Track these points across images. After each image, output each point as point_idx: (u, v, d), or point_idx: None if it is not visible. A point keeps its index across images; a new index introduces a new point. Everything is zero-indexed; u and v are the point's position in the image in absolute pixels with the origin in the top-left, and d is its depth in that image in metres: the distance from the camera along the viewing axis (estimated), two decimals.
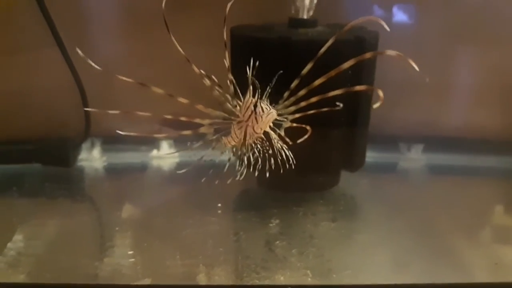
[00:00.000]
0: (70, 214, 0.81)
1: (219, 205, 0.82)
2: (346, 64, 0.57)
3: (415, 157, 1.03)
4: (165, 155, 1.01)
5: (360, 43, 0.72)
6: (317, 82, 0.60)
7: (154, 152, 1.03)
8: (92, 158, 1.02)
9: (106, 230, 0.79)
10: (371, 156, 0.90)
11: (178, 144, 1.02)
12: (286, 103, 0.63)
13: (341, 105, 0.60)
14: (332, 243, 0.72)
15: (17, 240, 0.72)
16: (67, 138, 0.98)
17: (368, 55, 0.58)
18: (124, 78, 0.60)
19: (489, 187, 0.97)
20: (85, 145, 1.01)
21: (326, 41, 0.57)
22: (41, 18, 0.90)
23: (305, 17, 0.77)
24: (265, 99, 0.61)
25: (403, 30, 0.96)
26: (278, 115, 0.63)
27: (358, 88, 0.59)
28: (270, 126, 0.63)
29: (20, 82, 0.98)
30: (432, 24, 0.97)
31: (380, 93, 0.57)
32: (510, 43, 0.97)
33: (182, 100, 0.62)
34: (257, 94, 0.60)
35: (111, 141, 1.03)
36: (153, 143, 1.03)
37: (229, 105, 0.63)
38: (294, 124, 0.63)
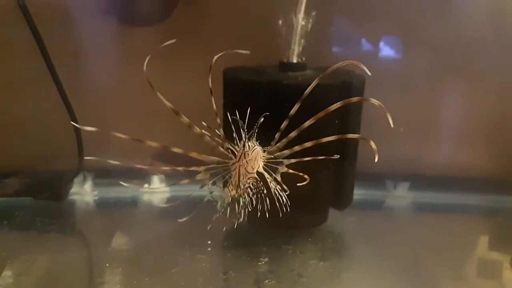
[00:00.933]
0: (60, 250, 0.81)
1: (209, 242, 0.83)
2: (334, 106, 0.61)
3: (401, 195, 1.05)
4: (156, 190, 1.02)
5: (347, 87, 0.75)
6: (307, 123, 0.63)
7: (145, 186, 1.04)
8: (84, 192, 1.02)
9: (96, 266, 0.79)
10: (358, 193, 0.91)
11: (169, 179, 1.04)
12: (279, 145, 0.66)
13: (339, 156, 0.65)
14: (320, 282, 0.73)
15: (6, 276, 0.72)
16: (60, 172, 0.99)
17: (354, 99, 0.62)
18: (119, 135, 0.62)
19: (474, 225, 0.99)
20: (77, 179, 1.02)
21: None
22: (38, 54, 0.92)
23: (294, 61, 0.80)
24: (252, 138, 0.64)
25: (391, 68, 1.00)
26: (273, 158, 0.66)
27: (351, 136, 0.62)
28: (264, 168, 0.66)
29: (13, 115, 1.00)
30: (418, 63, 1.01)
31: (373, 145, 0.61)
32: (495, 83, 1.01)
33: (176, 150, 0.64)
34: (244, 134, 0.63)
35: (103, 175, 1.04)
36: (144, 177, 1.04)
37: (221, 149, 0.65)
38: (291, 171, 0.66)
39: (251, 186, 0.67)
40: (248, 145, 0.64)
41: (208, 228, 0.70)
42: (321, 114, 0.62)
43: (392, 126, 0.55)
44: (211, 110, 0.64)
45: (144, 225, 0.93)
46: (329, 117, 0.63)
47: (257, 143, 0.65)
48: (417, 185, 1.06)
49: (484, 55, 0.99)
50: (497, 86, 1.02)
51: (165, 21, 0.95)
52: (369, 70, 0.78)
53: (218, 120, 0.64)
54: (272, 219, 0.83)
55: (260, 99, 0.75)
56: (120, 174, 1.03)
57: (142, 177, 1.04)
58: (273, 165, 0.67)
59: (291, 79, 0.76)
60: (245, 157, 0.64)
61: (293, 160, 0.66)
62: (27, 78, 0.98)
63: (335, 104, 0.61)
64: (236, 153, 0.65)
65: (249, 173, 0.66)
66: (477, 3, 0.95)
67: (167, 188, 1.03)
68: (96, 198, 1.02)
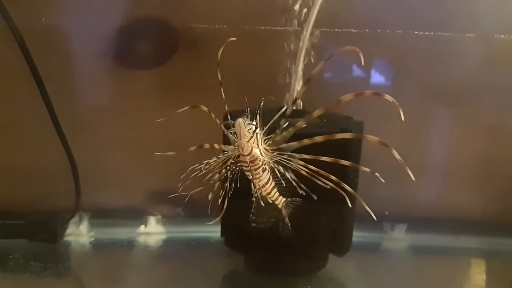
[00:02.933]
0: None
1: None
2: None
3: (399, 237, 1.05)
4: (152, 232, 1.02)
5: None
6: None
7: (142, 228, 1.03)
8: (80, 232, 1.01)
9: None
10: (356, 235, 0.90)
11: (166, 221, 1.03)
12: (285, 134, 0.62)
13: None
14: None
15: None
16: (56, 211, 0.98)
17: (368, 92, 0.60)
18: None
19: (472, 268, 0.99)
20: (72, 219, 1.01)
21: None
22: (37, 95, 0.93)
23: (294, 107, 0.81)
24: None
25: (387, 112, 1.01)
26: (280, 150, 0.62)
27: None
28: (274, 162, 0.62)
29: (10, 157, 1.00)
30: (415, 107, 1.02)
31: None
32: (488, 126, 1.02)
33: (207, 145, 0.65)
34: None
35: (99, 216, 1.03)
36: (141, 218, 1.04)
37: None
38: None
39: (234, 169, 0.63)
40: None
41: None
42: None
43: (403, 119, 0.53)
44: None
45: (140, 268, 0.92)
46: (328, 153, 0.62)
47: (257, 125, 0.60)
48: (414, 227, 1.06)
49: (477, 99, 1.01)
50: (489, 128, 1.03)
51: (165, 64, 0.96)
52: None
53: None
54: (271, 265, 0.84)
55: None
56: (117, 215, 1.04)
57: (139, 217, 1.04)
58: (283, 160, 0.62)
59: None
60: (240, 138, 0.58)
61: (306, 156, 0.61)
62: (25, 118, 0.98)
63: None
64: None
65: (243, 155, 0.60)
66: (469, 49, 0.97)
67: (163, 230, 1.02)
68: (92, 239, 1.01)
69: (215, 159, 0.65)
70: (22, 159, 1.00)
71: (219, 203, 0.68)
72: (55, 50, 0.95)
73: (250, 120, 0.59)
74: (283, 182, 0.64)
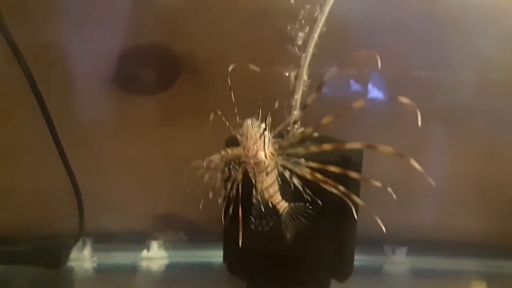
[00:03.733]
0: None
1: None
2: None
3: (399, 260, 1.06)
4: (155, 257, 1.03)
5: (346, 162, 0.77)
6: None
7: (144, 252, 1.04)
8: (83, 257, 1.02)
9: None
10: (357, 258, 0.91)
11: (168, 245, 1.04)
12: (292, 139, 0.63)
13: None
14: None
15: None
16: (59, 238, 0.99)
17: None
18: None
19: None
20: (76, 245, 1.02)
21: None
22: (41, 119, 0.94)
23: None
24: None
25: (387, 140, 1.02)
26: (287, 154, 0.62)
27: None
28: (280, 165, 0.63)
29: (12, 181, 1.01)
30: (414, 132, 1.03)
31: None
32: (485, 148, 1.03)
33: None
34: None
35: (102, 240, 1.04)
36: (143, 243, 1.05)
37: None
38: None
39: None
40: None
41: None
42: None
43: (420, 125, 0.55)
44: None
45: None
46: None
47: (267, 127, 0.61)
48: (415, 250, 1.07)
49: (474, 123, 1.02)
50: (487, 151, 1.04)
51: (168, 90, 0.98)
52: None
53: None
54: None
55: None
56: (120, 239, 1.05)
57: (142, 242, 1.05)
58: (288, 165, 0.63)
59: None
60: (247, 140, 0.60)
61: (312, 164, 0.62)
62: (27, 142, 0.99)
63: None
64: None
65: (248, 156, 0.61)
66: (464, 75, 0.99)
67: (166, 255, 1.03)
68: (95, 264, 1.01)
69: (218, 156, 0.65)
70: (24, 184, 1.01)
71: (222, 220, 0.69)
72: (58, 74, 0.96)
73: (260, 123, 0.61)
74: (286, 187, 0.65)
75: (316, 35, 0.79)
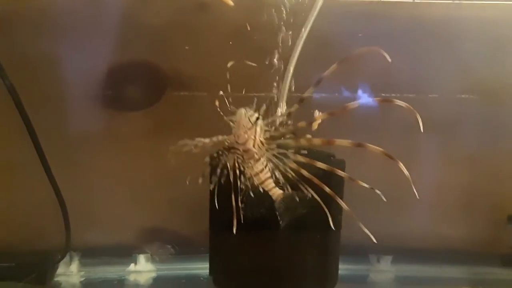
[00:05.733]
0: None
1: None
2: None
3: (385, 269, 1.07)
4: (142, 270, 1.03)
5: (328, 173, 0.78)
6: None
7: (132, 266, 1.04)
8: (70, 272, 1.02)
9: None
10: (342, 267, 0.91)
11: (155, 258, 1.04)
12: (283, 131, 0.64)
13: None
14: None
15: None
16: (46, 253, 0.99)
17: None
18: None
19: None
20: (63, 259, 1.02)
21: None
22: (26, 135, 0.94)
23: None
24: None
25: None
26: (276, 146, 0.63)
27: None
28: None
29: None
30: (400, 142, 1.05)
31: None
32: (472, 157, 1.06)
33: None
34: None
35: (89, 255, 1.04)
36: (131, 256, 1.05)
37: None
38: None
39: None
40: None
41: None
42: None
43: (422, 130, 0.56)
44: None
45: None
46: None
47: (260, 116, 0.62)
48: (400, 258, 1.08)
49: (458, 135, 1.05)
50: (470, 160, 1.06)
51: (154, 105, 0.99)
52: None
53: None
54: None
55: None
56: (107, 253, 1.05)
57: (129, 255, 1.05)
58: (277, 156, 0.64)
59: None
60: (238, 128, 0.62)
61: (301, 158, 0.63)
62: (12, 159, 0.99)
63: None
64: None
65: (238, 143, 0.63)
66: (449, 86, 1.02)
67: (153, 268, 1.03)
68: (83, 279, 1.01)
69: (208, 140, 0.66)
70: (9, 199, 1.01)
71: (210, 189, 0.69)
72: (44, 90, 0.97)
73: (254, 112, 0.62)
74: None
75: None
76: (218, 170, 0.67)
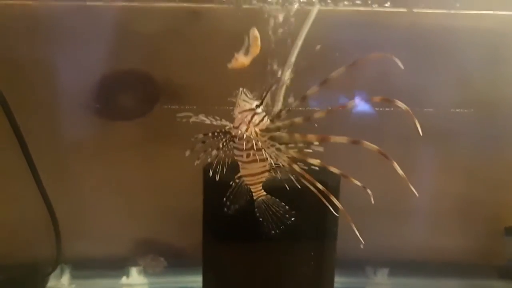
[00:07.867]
0: None
1: None
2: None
3: (381, 281, 1.06)
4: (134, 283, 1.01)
5: (324, 181, 0.77)
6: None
7: (124, 279, 1.02)
8: (61, 285, 1.00)
9: None
10: (338, 280, 0.90)
11: (148, 271, 1.03)
12: (279, 124, 0.61)
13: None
14: None
15: None
16: (37, 266, 0.98)
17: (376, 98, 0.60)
18: None
19: None
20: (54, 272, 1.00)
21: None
22: (16, 145, 0.93)
23: None
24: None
25: (370, 162, 1.03)
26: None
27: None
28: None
29: None
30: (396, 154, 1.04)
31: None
32: (465, 169, 1.05)
33: None
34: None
35: (81, 267, 1.02)
36: (123, 269, 1.03)
37: None
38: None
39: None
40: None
41: None
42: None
43: (421, 134, 0.54)
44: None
45: None
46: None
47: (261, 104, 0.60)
48: (397, 271, 1.07)
49: (454, 145, 1.04)
50: (466, 172, 1.06)
51: (145, 116, 0.98)
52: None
53: None
54: None
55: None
56: (98, 266, 1.03)
57: (121, 268, 1.03)
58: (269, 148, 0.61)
59: None
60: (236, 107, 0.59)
61: (293, 153, 0.60)
62: (2, 170, 0.98)
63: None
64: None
65: (235, 127, 0.60)
66: (445, 97, 1.01)
67: (145, 281, 1.02)
68: None
69: (209, 122, 0.63)
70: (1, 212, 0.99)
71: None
72: (35, 100, 0.95)
73: (257, 102, 0.60)
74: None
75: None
76: (209, 149, 0.64)
